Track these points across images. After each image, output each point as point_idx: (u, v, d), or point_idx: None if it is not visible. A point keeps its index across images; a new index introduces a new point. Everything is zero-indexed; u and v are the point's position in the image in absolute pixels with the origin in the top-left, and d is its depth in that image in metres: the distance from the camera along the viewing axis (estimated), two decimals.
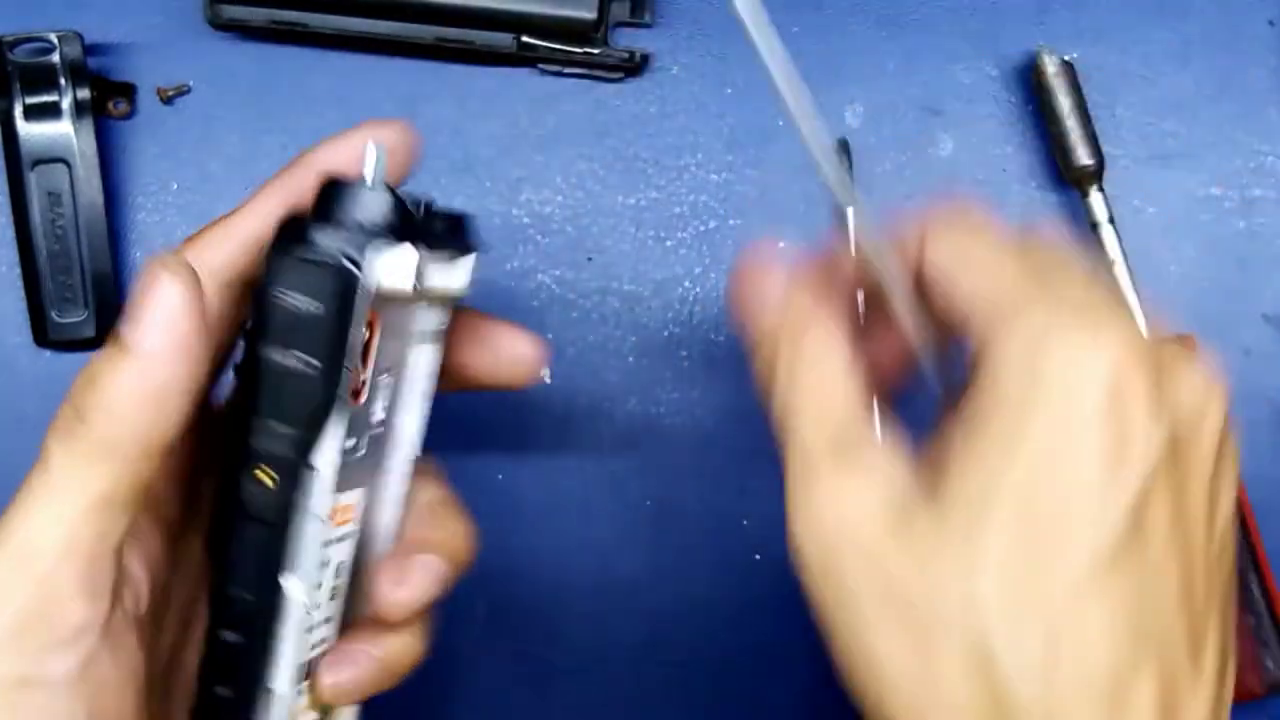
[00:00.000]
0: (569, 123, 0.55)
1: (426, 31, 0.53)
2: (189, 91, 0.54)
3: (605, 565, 0.55)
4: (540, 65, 0.55)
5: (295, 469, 0.33)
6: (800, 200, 0.55)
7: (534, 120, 0.55)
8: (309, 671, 0.36)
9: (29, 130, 0.51)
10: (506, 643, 0.55)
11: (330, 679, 0.36)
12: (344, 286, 0.32)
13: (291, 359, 0.32)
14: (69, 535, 0.31)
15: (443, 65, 0.54)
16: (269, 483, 0.33)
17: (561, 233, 0.55)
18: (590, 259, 0.55)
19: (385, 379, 0.36)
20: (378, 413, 0.36)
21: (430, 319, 0.37)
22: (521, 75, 0.55)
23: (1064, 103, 0.53)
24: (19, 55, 0.51)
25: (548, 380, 0.55)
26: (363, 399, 0.35)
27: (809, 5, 0.55)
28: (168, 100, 0.54)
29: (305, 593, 0.34)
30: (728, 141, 0.55)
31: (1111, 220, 0.53)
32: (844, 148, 0.55)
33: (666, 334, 0.55)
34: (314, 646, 0.36)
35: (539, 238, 0.55)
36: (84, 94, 0.51)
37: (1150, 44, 0.55)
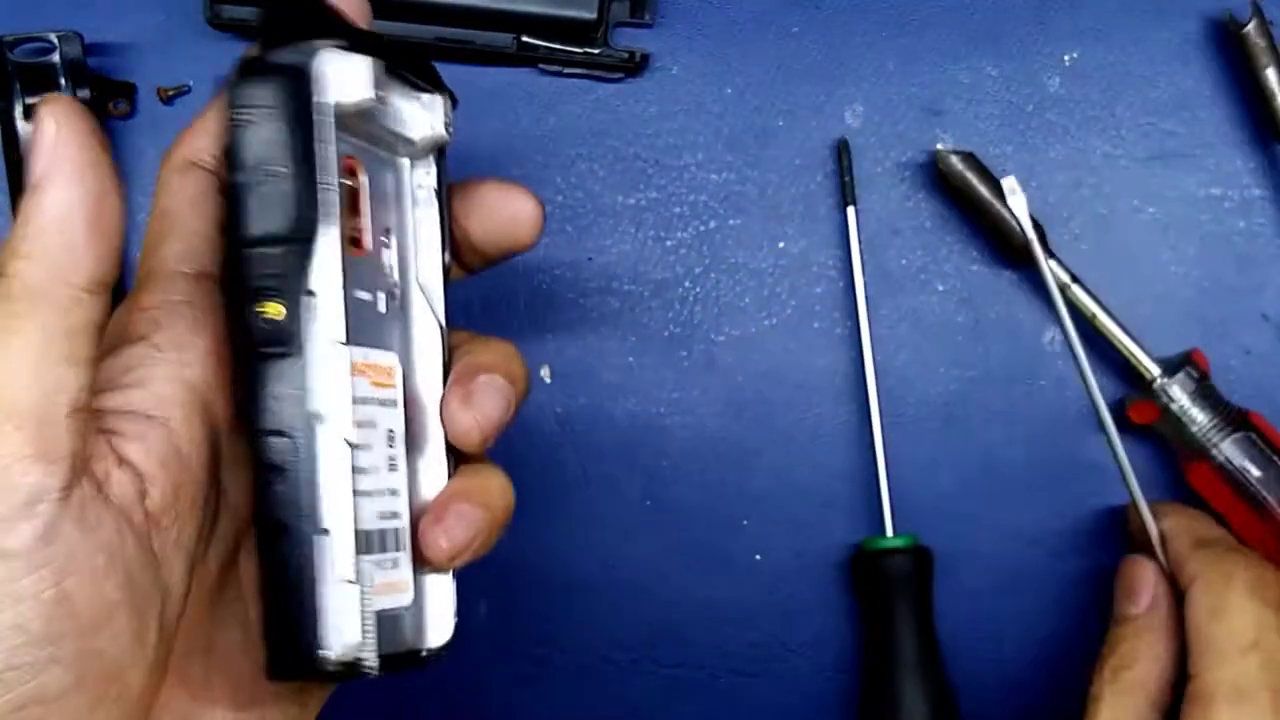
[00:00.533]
0: (569, 123, 0.55)
1: (426, 31, 0.53)
2: (189, 91, 0.54)
3: (605, 565, 0.55)
4: (540, 65, 0.55)
5: (295, 289, 0.32)
6: (800, 200, 0.55)
7: (534, 120, 0.55)
8: (374, 545, 0.35)
9: (29, 130, 0.51)
10: (506, 643, 0.55)
11: (444, 540, 0.36)
12: (294, 86, 0.32)
13: (260, 174, 0.32)
14: (8, 396, 0.30)
15: (443, 65, 0.54)
16: (275, 312, 0.32)
17: (561, 233, 0.55)
18: (590, 259, 0.55)
19: (390, 239, 0.37)
20: (390, 273, 0.37)
21: (421, 175, 0.38)
22: (521, 75, 0.55)
23: (983, 191, 0.53)
24: (19, 55, 0.51)
25: (547, 380, 0.55)
26: (366, 247, 0.35)
27: (809, 5, 0.55)
28: (168, 100, 0.54)
29: (338, 421, 0.33)
30: (728, 141, 0.55)
31: (1075, 279, 0.53)
32: (844, 148, 0.55)
33: (666, 334, 0.55)
34: (383, 516, 0.35)
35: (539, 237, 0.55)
36: (84, 94, 0.51)
37: (1150, 44, 0.55)
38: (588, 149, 0.55)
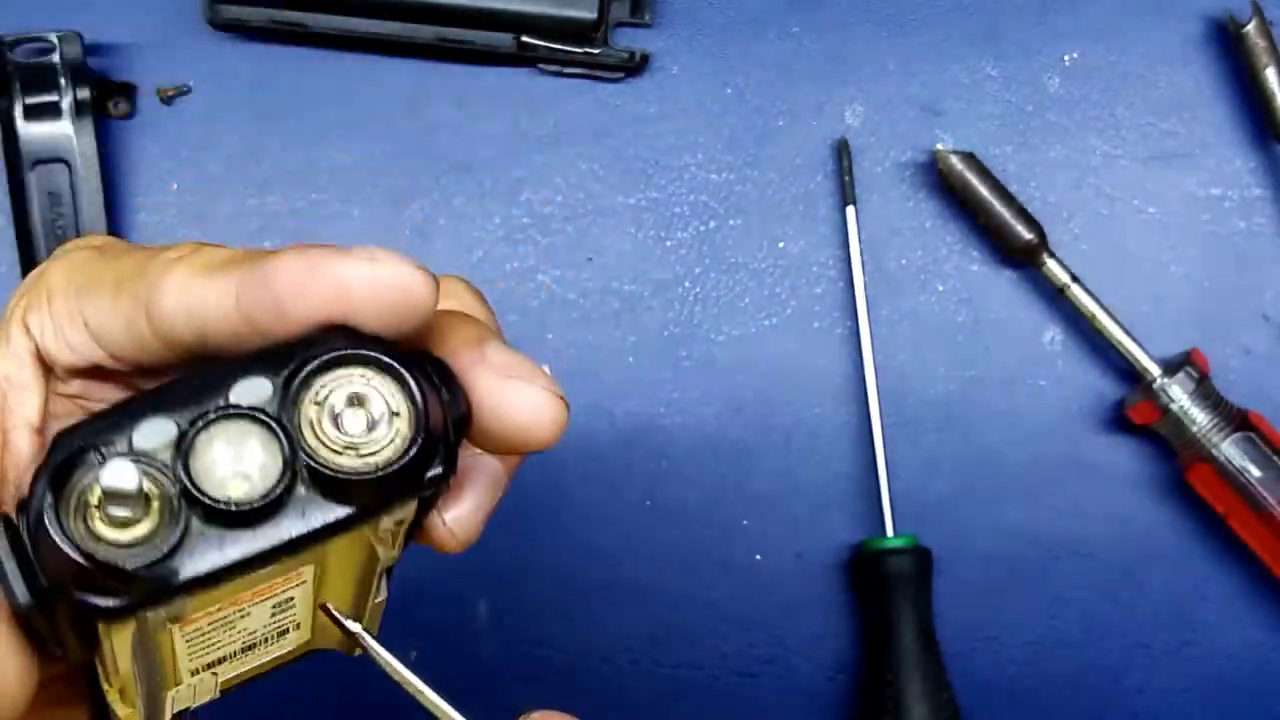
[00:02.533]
0: (569, 123, 0.55)
1: (426, 31, 0.53)
2: (189, 91, 0.54)
3: (606, 565, 0.55)
4: (540, 65, 0.55)
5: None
6: (800, 200, 0.55)
7: (534, 120, 0.55)
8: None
9: (29, 130, 0.51)
10: (507, 643, 0.55)
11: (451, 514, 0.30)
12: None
13: None
14: None
15: (443, 65, 0.54)
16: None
17: (561, 233, 0.55)
18: (590, 259, 0.55)
19: None
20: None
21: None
22: (521, 75, 0.55)
23: (983, 191, 0.53)
24: (19, 55, 0.51)
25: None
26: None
27: (809, 5, 0.55)
28: (168, 100, 0.54)
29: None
30: (728, 141, 0.55)
31: (1075, 279, 0.53)
32: (844, 148, 0.55)
33: (666, 334, 0.55)
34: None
35: (539, 238, 0.55)
36: (84, 94, 0.51)
37: (1150, 44, 0.55)
38: (588, 149, 0.55)
